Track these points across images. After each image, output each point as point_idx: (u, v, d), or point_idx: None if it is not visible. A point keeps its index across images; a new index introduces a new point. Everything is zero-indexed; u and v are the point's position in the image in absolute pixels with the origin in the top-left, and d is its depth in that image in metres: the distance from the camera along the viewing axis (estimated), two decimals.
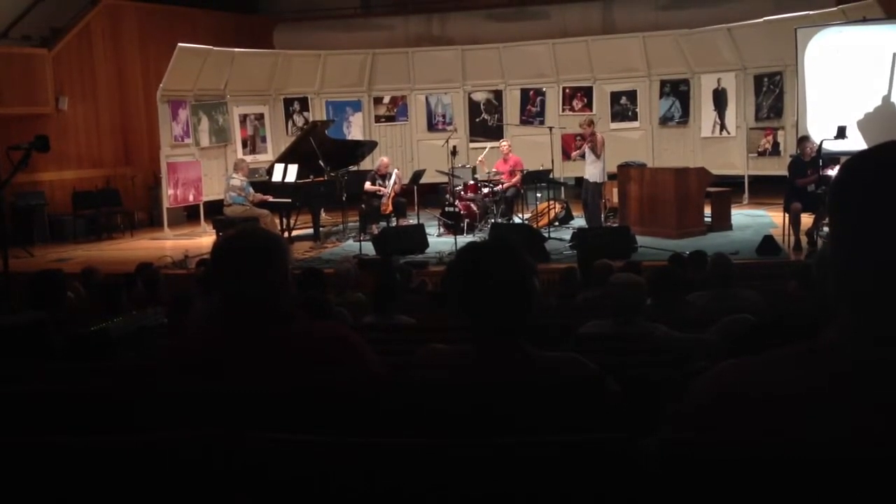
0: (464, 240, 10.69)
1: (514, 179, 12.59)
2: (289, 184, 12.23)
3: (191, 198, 14.08)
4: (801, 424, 1.01)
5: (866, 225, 1.04)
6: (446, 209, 12.38)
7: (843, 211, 1.08)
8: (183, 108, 14.00)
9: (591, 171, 11.72)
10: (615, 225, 11.76)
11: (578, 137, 12.05)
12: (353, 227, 12.74)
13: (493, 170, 12.92)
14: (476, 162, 13.72)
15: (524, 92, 15.84)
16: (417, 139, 16.07)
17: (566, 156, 14.72)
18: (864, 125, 11.72)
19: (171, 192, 13.63)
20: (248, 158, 14.58)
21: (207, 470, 1.52)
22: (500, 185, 12.51)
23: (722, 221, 11.72)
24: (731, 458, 1.03)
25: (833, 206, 1.11)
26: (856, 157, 1.11)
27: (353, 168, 13.15)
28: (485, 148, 14.17)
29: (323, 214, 13.17)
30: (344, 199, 12.32)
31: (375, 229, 12.05)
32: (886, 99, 11.97)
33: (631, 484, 1.39)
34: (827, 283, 1.10)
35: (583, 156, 11.99)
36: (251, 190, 12.23)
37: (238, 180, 12.13)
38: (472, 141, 15.87)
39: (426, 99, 16.13)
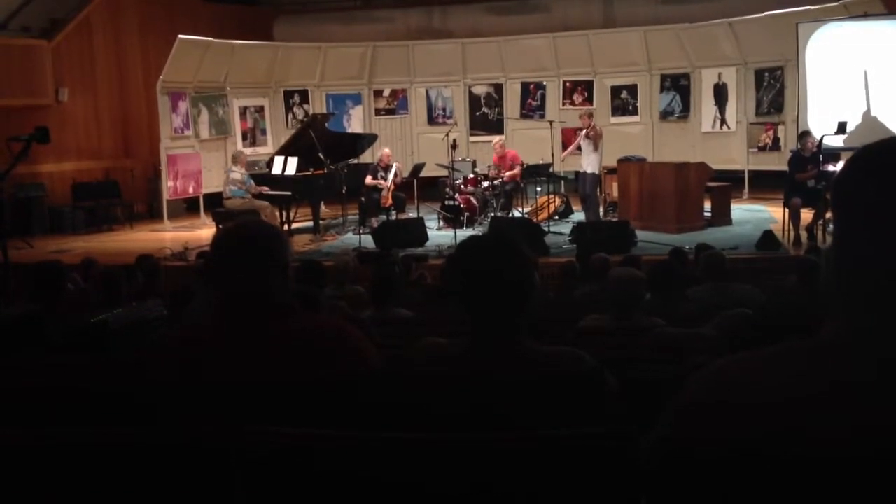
0: (463, 233, 10.69)
1: (513, 172, 12.57)
2: (289, 176, 12.23)
3: (190, 190, 14.07)
4: (803, 422, 1.01)
5: (875, 222, 1.03)
6: (446, 203, 12.38)
7: (850, 207, 1.07)
8: (183, 99, 13.98)
9: (590, 162, 11.70)
10: (615, 219, 11.76)
11: (578, 130, 12.04)
12: (353, 220, 12.73)
13: (488, 165, 12.91)
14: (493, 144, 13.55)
15: (524, 85, 15.82)
16: (417, 132, 16.06)
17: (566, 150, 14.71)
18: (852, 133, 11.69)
19: (170, 183, 13.61)
20: (248, 151, 14.57)
21: (205, 464, 1.52)
22: (500, 179, 12.50)
23: (721, 216, 11.71)
24: (731, 456, 1.03)
25: (838, 202, 1.09)
26: (861, 151, 1.09)
27: (352, 161, 13.13)
28: (488, 141, 14.18)
29: (323, 207, 13.16)
30: (344, 192, 12.31)
31: (375, 222, 12.05)
32: (867, 114, 11.97)
33: (629, 478, 1.39)
34: (829, 280, 1.10)
35: (579, 147, 11.97)
36: (252, 182, 12.24)
37: (238, 173, 12.13)
38: (472, 134, 15.86)
39: (426, 92, 16.10)
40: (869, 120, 11.90)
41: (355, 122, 15.93)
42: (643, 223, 11.14)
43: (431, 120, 16.08)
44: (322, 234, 12.27)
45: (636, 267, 5.47)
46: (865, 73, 11.96)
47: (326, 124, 13.19)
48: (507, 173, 12.50)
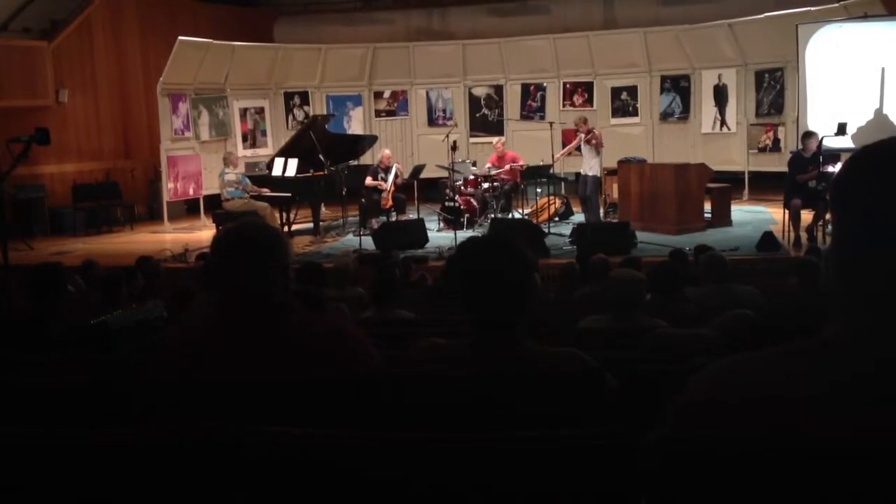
0: (463, 235, 10.69)
1: (511, 168, 12.57)
2: (289, 178, 12.23)
3: (191, 191, 14.07)
4: (803, 422, 1.01)
5: (874, 222, 1.03)
6: (446, 204, 12.38)
7: (849, 207, 1.07)
8: (183, 101, 13.99)
9: (592, 165, 11.71)
10: (615, 221, 11.76)
11: (579, 133, 12.00)
12: (353, 221, 12.73)
13: (488, 165, 12.91)
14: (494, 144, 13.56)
15: (525, 87, 15.82)
16: (417, 134, 16.06)
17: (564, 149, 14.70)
18: (862, 128, 11.67)
19: (171, 185, 13.62)
20: (248, 152, 14.57)
21: (205, 463, 1.52)
22: (500, 180, 12.50)
23: (722, 217, 11.71)
24: (732, 455, 1.03)
25: (837, 202, 1.10)
26: (860, 151, 1.09)
27: (353, 162, 13.14)
28: (488, 142, 14.18)
29: (323, 209, 13.16)
30: (344, 193, 12.31)
31: (375, 224, 12.05)
32: (879, 112, 11.96)
33: (629, 479, 1.39)
34: (829, 281, 1.10)
35: (578, 148, 11.97)
36: (248, 181, 12.24)
37: (233, 175, 12.15)
38: (472, 136, 15.87)
39: (426, 93, 16.11)
40: (881, 118, 11.88)
41: (355, 124, 15.93)
42: (643, 224, 11.14)
43: (431, 121, 16.08)
44: (322, 235, 12.27)
45: (636, 268, 5.47)
46: (883, 70, 11.92)
47: (326, 126, 13.19)
48: (505, 167, 12.50)
